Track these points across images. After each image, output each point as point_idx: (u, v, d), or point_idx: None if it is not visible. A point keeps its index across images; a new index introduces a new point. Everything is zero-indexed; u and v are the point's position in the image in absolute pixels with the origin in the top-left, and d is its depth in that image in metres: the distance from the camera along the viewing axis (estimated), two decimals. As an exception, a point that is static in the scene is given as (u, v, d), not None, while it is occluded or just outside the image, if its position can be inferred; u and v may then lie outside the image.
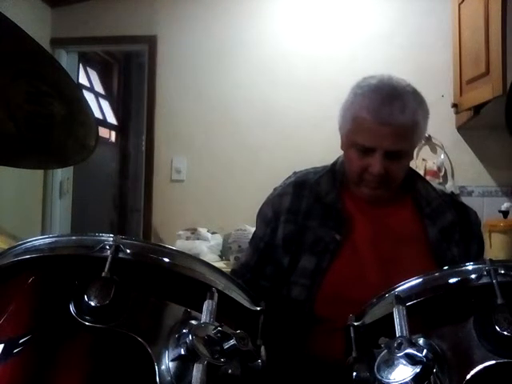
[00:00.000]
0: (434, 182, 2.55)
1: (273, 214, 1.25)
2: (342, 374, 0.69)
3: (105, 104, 4.38)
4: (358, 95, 1.18)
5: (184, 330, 0.59)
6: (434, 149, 2.77)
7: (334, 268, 1.16)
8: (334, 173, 1.28)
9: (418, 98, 1.17)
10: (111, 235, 0.68)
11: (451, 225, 1.22)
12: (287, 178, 1.34)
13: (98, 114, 4.13)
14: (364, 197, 1.24)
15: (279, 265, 1.21)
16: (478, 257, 1.24)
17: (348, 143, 1.21)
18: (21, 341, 0.58)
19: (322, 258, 1.17)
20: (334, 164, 1.31)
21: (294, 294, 1.17)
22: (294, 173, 1.35)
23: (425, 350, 0.57)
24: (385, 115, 1.11)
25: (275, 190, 1.32)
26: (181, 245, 2.65)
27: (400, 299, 0.66)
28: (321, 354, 1.11)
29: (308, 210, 1.23)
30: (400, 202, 1.27)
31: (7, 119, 0.96)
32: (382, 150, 1.13)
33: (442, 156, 2.76)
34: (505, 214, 2.51)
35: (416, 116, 1.14)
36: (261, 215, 1.29)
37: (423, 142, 2.67)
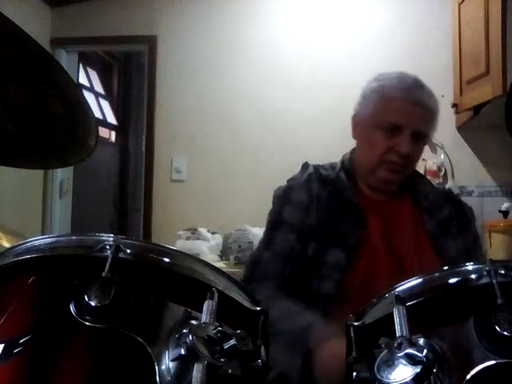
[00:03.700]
0: (434, 182, 2.55)
1: (308, 198, 1.23)
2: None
3: (105, 104, 4.39)
4: (386, 80, 1.22)
5: (184, 330, 0.59)
6: (433, 149, 2.76)
7: (357, 264, 1.17)
8: (347, 170, 1.29)
9: (432, 92, 1.24)
10: (111, 235, 0.68)
11: (448, 218, 1.25)
12: (303, 169, 1.31)
13: (98, 114, 4.14)
14: (376, 184, 1.25)
15: (303, 252, 1.20)
16: (475, 250, 1.28)
17: (371, 126, 1.22)
18: (21, 341, 0.58)
19: (349, 252, 1.17)
20: (343, 162, 1.31)
21: (323, 288, 1.16)
22: (306, 165, 1.33)
23: (425, 350, 0.57)
24: (417, 95, 1.18)
25: (294, 178, 1.29)
26: (181, 245, 2.65)
27: (400, 299, 0.66)
28: None
29: (330, 204, 1.23)
30: (400, 197, 1.29)
31: (7, 119, 0.96)
32: (410, 129, 1.18)
33: (442, 156, 2.76)
34: (505, 214, 2.51)
35: (436, 104, 1.22)
36: (291, 199, 1.24)
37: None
